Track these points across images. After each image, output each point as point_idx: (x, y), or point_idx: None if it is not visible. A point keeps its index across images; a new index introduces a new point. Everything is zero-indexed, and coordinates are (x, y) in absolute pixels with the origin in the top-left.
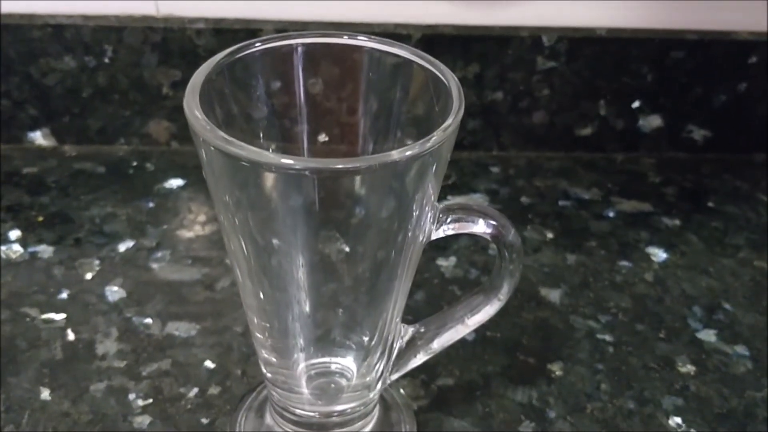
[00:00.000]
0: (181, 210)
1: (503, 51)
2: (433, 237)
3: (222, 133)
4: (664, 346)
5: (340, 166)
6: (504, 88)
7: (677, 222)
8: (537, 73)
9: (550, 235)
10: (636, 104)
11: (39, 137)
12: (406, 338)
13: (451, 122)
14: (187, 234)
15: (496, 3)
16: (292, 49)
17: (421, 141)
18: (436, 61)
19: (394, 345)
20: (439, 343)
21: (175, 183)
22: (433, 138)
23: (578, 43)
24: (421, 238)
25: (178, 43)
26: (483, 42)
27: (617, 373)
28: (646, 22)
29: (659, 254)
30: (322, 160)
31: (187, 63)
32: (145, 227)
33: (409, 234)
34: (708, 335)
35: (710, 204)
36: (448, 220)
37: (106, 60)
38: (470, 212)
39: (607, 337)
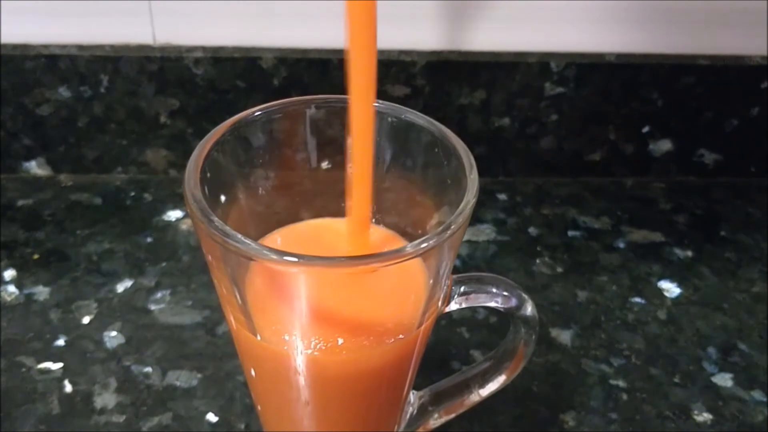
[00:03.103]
0: (180, 245)
1: (510, 77)
2: (446, 311)
3: (221, 225)
4: (679, 392)
5: (350, 268)
6: (511, 114)
7: (689, 253)
8: (545, 99)
9: (559, 269)
10: (646, 129)
11: (34, 167)
12: (417, 405)
13: (468, 207)
14: (186, 272)
15: (503, 29)
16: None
17: (438, 231)
18: (451, 133)
19: (405, 414)
20: (450, 412)
21: (173, 215)
22: (451, 227)
23: (587, 69)
24: (435, 314)
25: (176, 73)
26: (490, 68)
27: (631, 422)
28: (656, 47)
29: (672, 289)
30: (329, 260)
31: (185, 92)
32: (143, 265)
33: (420, 308)
34: (724, 379)
35: (722, 233)
36: (461, 291)
37: (102, 90)
38: (483, 284)
39: (620, 383)
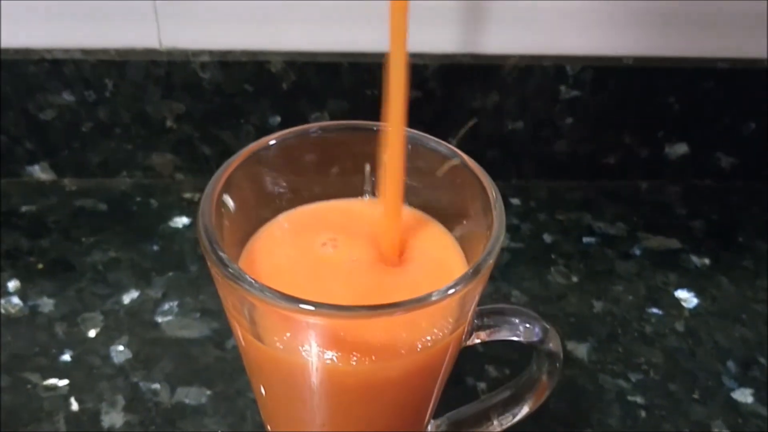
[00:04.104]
0: (187, 253)
1: (525, 80)
2: (469, 344)
3: (235, 267)
4: (698, 408)
5: (370, 319)
6: (525, 117)
7: (706, 261)
8: (560, 103)
9: (575, 279)
10: (662, 132)
11: (37, 171)
12: None
13: (496, 248)
14: (194, 283)
15: (518, 32)
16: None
17: (465, 275)
18: (476, 165)
19: None
20: None
21: (180, 221)
22: (481, 271)
23: (604, 73)
24: (459, 349)
25: (183, 77)
26: (503, 72)
27: None
28: (675, 50)
29: (690, 299)
30: (348, 310)
31: (191, 97)
32: (149, 275)
33: (443, 338)
34: (744, 395)
35: (740, 239)
36: (482, 324)
37: (107, 94)
38: (505, 316)
39: (639, 399)
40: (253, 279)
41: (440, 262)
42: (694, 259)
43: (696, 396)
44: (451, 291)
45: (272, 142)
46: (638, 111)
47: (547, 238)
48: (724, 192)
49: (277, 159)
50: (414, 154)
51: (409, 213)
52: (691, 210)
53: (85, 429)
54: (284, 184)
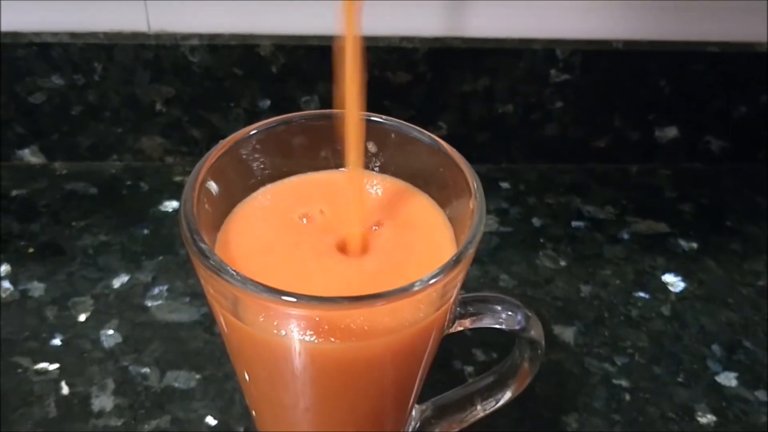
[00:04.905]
0: (176, 237)
1: (515, 64)
2: (451, 331)
3: (216, 259)
4: (682, 392)
5: (352, 310)
6: (515, 101)
7: (694, 245)
8: (550, 86)
9: (563, 263)
10: (652, 116)
11: (27, 154)
12: (420, 419)
13: (476, 238)
14: (183, 267)
15: (508, 15)
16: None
17: (447, 265)
18: (458, 155)
19: (408, 426)
20: (453, 427)
21: (170, 205)
22: (461, 261)
23: (593, 56)
24: (441, 335)
25: (172, 60)
26: (494, 55)
27: (634, 424)
28: (665, 34)
29: (676, 283)
30: (330, 301)
31: (181, 80)
32: (140, 259)
33: (422, 329)
34: (728, 379)
35: (728, 223)
36: (466, 312)
37: (96, 78)
38: (488, 303)
39: (624, 383)
40: (234, 271)
41: (427, 237)
42: (683, 243)
43: (681, 379)
44: (433, 281)
45: (253, 131)
46: (628, 94)
47: (536, 221)
48: (714, 175)
49: (259, 146)
50: (399, 140)
51: (398, 185)
52: (681, 193)
53: (75, 413)
54: (267, 169)
